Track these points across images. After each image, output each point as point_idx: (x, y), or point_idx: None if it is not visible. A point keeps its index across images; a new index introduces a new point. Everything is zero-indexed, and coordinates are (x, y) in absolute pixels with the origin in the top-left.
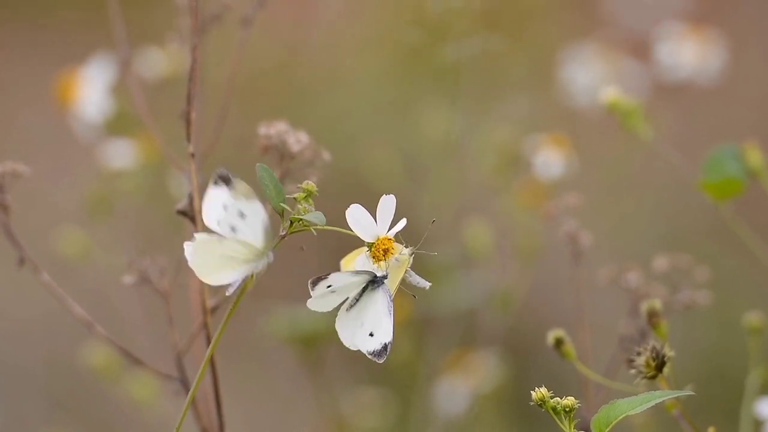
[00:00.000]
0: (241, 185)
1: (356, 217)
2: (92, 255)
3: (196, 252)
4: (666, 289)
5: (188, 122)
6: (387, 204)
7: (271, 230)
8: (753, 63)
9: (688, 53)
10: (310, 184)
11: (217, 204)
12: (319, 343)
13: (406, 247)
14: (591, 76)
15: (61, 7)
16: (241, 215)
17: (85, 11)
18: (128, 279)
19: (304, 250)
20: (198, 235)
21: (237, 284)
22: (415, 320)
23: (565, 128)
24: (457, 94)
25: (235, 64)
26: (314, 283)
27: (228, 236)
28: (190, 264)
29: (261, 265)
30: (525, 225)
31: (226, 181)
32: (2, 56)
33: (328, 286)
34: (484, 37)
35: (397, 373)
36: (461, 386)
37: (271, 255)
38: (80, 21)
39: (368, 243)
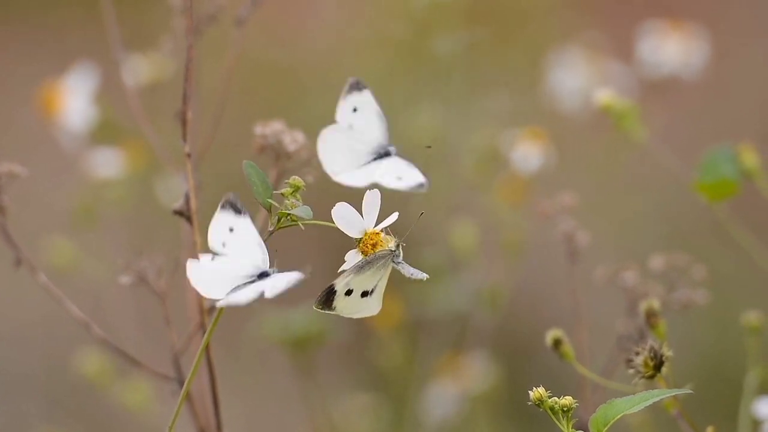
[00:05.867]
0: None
1: (341, 214)
2: (83, 262)
3: (194, 271)
4: (663, 288)
5: (184, 122)
6: (372, 199)
7: (264, 244)
8: (742, 60)
9: (670, 49)
10: (297, 179)
11: (224, 227)
12: (310, 345)
13: (394, 239)
14: (577, 80)
15: (59, 5)
16: (230, 230)
17: (83, 10)
18: (125, 279)
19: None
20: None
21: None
22: (407, 323)
23: (556, 127)
24: (450, 94)
25: (230, 64)
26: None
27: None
28: (193, 283)
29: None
30: (510, 222)
31: (233, 206)
32: (1, 54)
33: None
34: (476, 35)
35: (390, 377)
36: (454, 389)
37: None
38: (78, 19)
39: (356, 239)
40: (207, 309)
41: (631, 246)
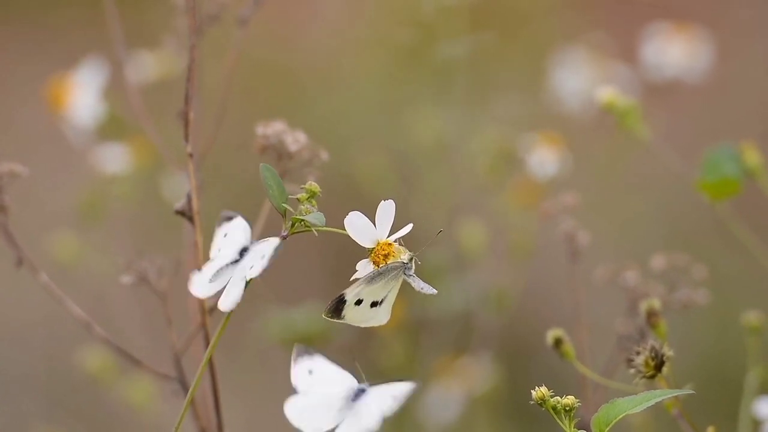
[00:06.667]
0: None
1: (355, 223)
2: (86, 259)
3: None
4: (664, 288)
5: (186, 122)
6: (386, 209)
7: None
8: (743, 59)
9: (674, 52)
10: (313, 185)
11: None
12: (313, 345)
13: (407, 251)
14: (580, 81)
15: (61, 5)
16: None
17: (84, 9)
18: (126, 279)
19: (304, 256)
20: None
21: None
22: (410, 323)
23: (558, 128)
24: (452, 95)
25: (232, 64)
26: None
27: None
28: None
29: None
30: (519, 224)
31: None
32: (1, 54)
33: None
34: (479, 37)
35: (392, 377)
36: (455, 390)
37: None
38: (80, 19)
39: (368, 249)
40: (208, 309)
41: (633, 246)
